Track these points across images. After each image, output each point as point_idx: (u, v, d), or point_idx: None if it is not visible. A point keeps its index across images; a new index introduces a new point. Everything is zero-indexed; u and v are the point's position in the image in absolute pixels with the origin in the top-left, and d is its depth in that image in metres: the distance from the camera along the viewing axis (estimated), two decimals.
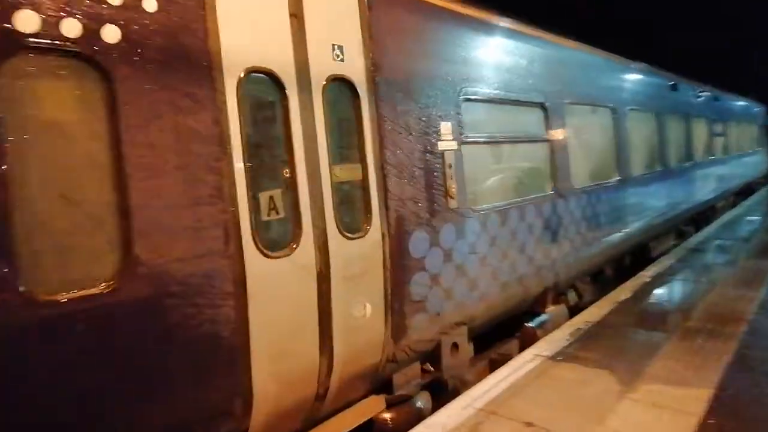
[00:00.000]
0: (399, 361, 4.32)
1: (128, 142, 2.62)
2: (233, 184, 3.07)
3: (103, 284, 2.54)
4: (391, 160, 4.17)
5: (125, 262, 2.61)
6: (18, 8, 2.32)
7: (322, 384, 3.69)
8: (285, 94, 3.40)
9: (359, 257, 3.88)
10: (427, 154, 4.58)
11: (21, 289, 2.28)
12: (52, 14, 2.41)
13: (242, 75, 3.15)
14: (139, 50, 2.69)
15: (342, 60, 3.82)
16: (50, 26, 2.40)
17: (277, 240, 3.38)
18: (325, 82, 3.67)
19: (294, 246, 3.42)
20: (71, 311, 2.42)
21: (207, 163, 2.95)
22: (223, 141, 3.03)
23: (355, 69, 3.92)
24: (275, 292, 3.30)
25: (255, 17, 3.25)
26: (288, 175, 3.43)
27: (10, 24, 2.30)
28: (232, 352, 3.06)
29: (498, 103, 5.62)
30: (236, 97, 3.11)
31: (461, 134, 4.95)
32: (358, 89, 3.92)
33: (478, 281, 5.07)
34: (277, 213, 3.40)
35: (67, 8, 2.45)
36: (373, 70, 4.05)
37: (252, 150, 3.22)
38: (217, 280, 2.97)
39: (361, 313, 3.92)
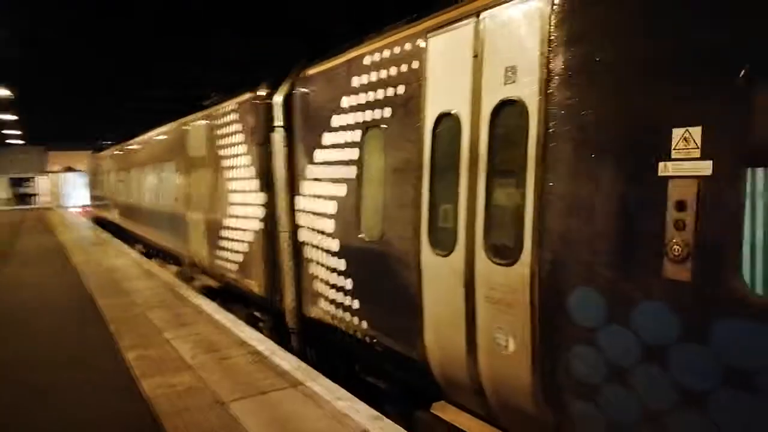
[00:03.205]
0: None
1: None
2: (420, 195, 4.46)
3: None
4: (555, 188, 3.28)
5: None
6: None
7: (475, 381, 4.04)
8: (460, 125, 4.06)
9: (503, 285, 3.69)
10: (624, 183, 2.87)
11: None
12: None
13: (435, 119, 4.31)
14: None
15: (514, 82, 3.60)
16: None
17: (443, 241, 4.25)
18: (493, 108, 3.76)
19: (451, 251, 4.14)
20: None
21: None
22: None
23: (526, 87, 3.49)
24: (437, 278, 4.30)
25: (451, 72, 4.19)
26: (456, 195, 4.11)
27: None
28: (414, 302, 4.57)
29: None
30: (431, 134, 4.36)
31: (750, 147, 2.40)
32: (528, 108, 3.49)
33: None
34: (447, 223, 4.22)
35: None
36: (547, 81, 3.33)
37: (437, 173, 4.32)
38: (410, 259, 4.61)
39: (503, 342, 3.72)
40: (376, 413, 4.49)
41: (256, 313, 8.49)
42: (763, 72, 2.45)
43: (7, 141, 40.04)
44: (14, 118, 26.82)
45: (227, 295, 9.45)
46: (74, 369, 5.84)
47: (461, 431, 4.33)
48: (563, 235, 3.26)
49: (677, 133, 2.69)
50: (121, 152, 20.22)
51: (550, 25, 3.37)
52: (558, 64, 3.31)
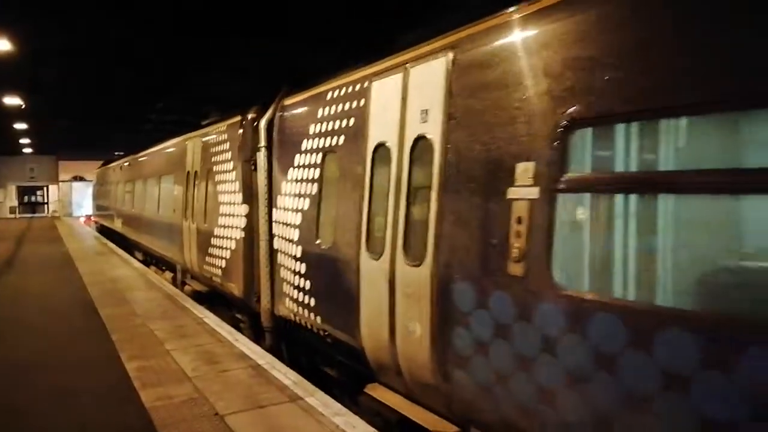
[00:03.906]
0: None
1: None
2: (361, 209, 5.42)
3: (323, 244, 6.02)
4: (446, 206, 4.23)
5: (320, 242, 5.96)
6: None
7: (395, 363, 4.94)
8: (390, 154, 5.03)
9: (414, 282, 4.61)
10: (488, 202, 3.82)
11: None
12: None
13: (374, 147, 5.28)
14: None
15: (426, 121, 4.57)
16: None
17: (376, 247, 5.19)
18: (412, 141, 4.72)
19: (381, 255, 5.08)
20: None
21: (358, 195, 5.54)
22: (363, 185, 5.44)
23: (433, 126, 4.46)
24: (371, 278, 5.23)
25: (386, 111, 5.17)
26: (386, 210, 5.06)
27: None
28: (354, 299, 5.49)
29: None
30: (370, 160, 5.33)
31: (559, 178, 3.34)
32: (433, 143, 4.45)
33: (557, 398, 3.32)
34: (379, 232, 5.17)
35: None
36: (446, 122, 4.30)
37: (373, 191, 5.28)
38: (353, 262, 5.54)
39: (413, 328, 4.64)
40: (372, 429, 4.70)
41: (238, 315, 9.41)
42: (575, 123, 3.39)
43: (23, 150, 41.39)
44: (25, 126, 28.06)
45: (215, 299, 10.37)
46: (76, 378, 6.04)
47: (388, 407, 5.21)
48: (450, 242, 4.20)
49: (520, 166, 3.64)
50: (124, 165, 21.35)
51: (448, 80, 4.35)
52: (451, 109, 4.28)
